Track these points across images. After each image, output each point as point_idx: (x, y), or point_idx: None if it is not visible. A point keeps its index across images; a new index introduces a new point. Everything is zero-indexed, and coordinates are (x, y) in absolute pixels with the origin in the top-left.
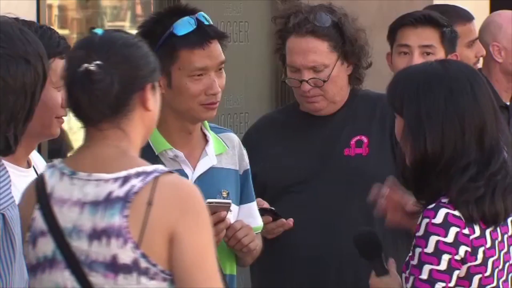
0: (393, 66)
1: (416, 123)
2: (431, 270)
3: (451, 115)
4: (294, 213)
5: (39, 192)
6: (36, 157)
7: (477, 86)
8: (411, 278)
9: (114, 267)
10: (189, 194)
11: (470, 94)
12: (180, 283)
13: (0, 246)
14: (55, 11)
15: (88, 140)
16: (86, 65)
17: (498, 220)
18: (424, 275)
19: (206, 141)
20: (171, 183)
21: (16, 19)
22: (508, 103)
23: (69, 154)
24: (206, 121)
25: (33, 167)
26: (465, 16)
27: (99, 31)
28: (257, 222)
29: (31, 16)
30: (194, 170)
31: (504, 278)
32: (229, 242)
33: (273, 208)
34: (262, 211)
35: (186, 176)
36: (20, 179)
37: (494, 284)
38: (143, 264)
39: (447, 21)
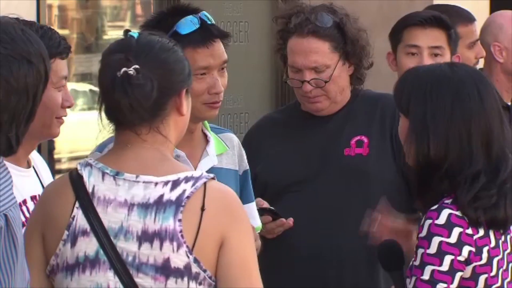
0: (399, 66)
1: (421, 125)
2: (433, 271)
3: (457, 119)
4: (295, 212)
5: (78, 191)
6: (36, 157)
7: (485, 91)
8: (413, 279)
9: (165, 270)
10: (236, 201)
11: (477, 99)
12: (228, 283)
13: (2, 246)
14: (55, 11)
15: (125, 142)
16: (125, 69)
17: (507, 226)
18: (426, 276)
19: (207, 141)
20: (219, 190)
21: (17, 19)
22: (509, 103)
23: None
24: (206, 121)
25: (33, 167)
26: (467, 17)
27: (134, 34)
28: (257, 222)
29: (31, 16)
30: (195, 170)
31: (509, 279)
32: None
33: (272, 208)
34: (262, 211)
35: None
36: (20, 179)
37: (499, 284)
38: (194, 269)
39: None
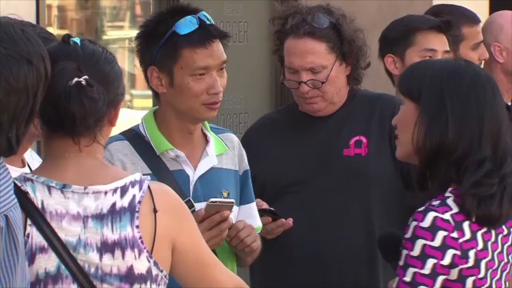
0: None
1: (438, 108)
2: (414, 273)
3: (472, 106)
4: (294, 213)
5: (26, 207)
6: (35, 157)
7: (496, 87)
8: (396, 279)
9: (129, 278)
10: (178, 199)
11: (490, 92)
12: (192, 283)
13: (3, 247)
14: (55, 11)
15: (62, 151)
16: (77, 79)
17: (500, 223)
18: (408, 278)
19: (207, 141)
20: (162, 190)
21: (12, 19)
22: (509, 103)
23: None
24: (206, 122)
25: (28, 166)
26: (473, 18)
27: (77, 40)
28: (257, 222)
29: (30, 16)
30: (195, 171)
31: (497, 276)
32: (231, 241)
33: (272, 209)
34: (262, 212)
35: (187, 176)
36: None
37: (488, 284)
38: (154, 271)
39: None
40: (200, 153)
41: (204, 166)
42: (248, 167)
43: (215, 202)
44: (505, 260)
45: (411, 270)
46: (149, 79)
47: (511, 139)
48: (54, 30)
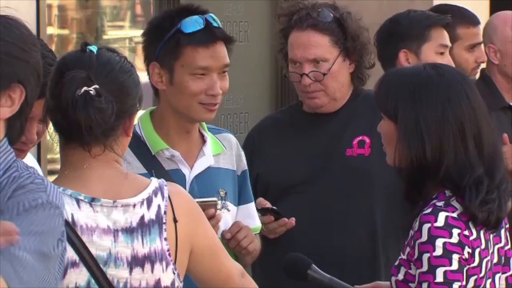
0: None
1: (414, 130)
2: (445, 272)
3: (449, 121)
4: (296, 213)
5: None
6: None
7: (471, 92)
8: (425, 285)
9: None
10: (191, 199)
11: (466, 100)
12: (207, 276)
13: None
14: (55, 11)
15: (80, 161)
16: (86, 88)
17: (499, 226)
18: (439, 278)
19: (204, 141)
20: (178, 193)
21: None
22: (511, 103)
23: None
24: (203, 122)
25: None
26: (470, 19)
27: (94, 48)
28: (256, 223)
29: (31, 16)
30: (191, 170)
31: (491, 279)
32: (229, 244)
33: (275, 208)
34: (264, 211)
35: (183, 175)
36: None
37: (483, 284)
38: (177, 283)
39: None
40: (197, 153)
41: (200, 165)
42: (246, 167)
43: (198, 202)
44: (495, 260)
45: (440, 270)
46: (150, 75)
47: (493, 132)
48: (54, 30)
